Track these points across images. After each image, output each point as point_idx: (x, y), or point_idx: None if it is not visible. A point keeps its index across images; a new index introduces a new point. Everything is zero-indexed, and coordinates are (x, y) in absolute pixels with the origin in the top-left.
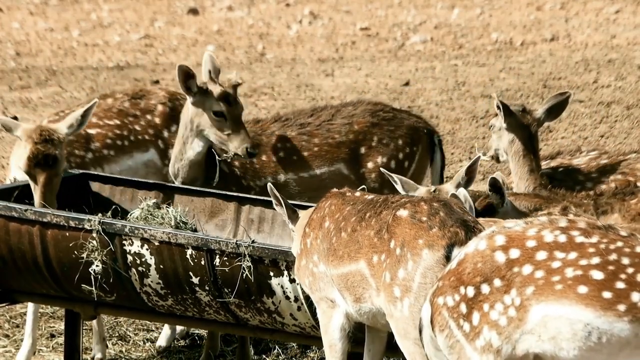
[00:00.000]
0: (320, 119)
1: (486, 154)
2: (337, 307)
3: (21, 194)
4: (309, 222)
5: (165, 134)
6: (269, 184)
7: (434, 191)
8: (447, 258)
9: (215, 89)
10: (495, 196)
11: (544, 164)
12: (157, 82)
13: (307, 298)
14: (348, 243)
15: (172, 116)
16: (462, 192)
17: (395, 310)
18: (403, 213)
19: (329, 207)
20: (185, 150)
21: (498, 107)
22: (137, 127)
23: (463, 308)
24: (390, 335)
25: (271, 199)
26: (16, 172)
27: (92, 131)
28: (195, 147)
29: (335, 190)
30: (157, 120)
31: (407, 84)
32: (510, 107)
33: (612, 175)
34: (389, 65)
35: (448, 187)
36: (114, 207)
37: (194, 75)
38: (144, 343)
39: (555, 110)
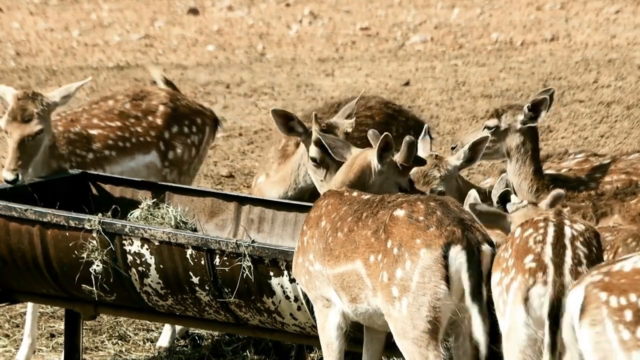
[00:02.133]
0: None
1: (456, 147)
2: (333, 306)
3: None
4: (306, 220)
5: (167, 135)
6: (319, 133)
7: (436, 157)
8: (445, 257)
9: (314, 134)
10: (501, 208)
11: None
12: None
13: (307, 298)
14: (344, 243)
15: (174, 116)
16: (472, 194)
17: (394, 310)
18: (400, 213)
19: (325, 207)
20: (299, 180)
21: (529, 109)
22: (139, 129)
23: (628, 315)
24: (389, 335)
25: (271, 198)
26: None
27: (93, 132)
28: (308, 180)
29: (333, 189)
30: (159, 121)
31: (407, 83)
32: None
33: (616, 175)
34: (389, 65)
35: (451, 159)
36: (113, 207)
37: (293, 117)
38: (144, 343)
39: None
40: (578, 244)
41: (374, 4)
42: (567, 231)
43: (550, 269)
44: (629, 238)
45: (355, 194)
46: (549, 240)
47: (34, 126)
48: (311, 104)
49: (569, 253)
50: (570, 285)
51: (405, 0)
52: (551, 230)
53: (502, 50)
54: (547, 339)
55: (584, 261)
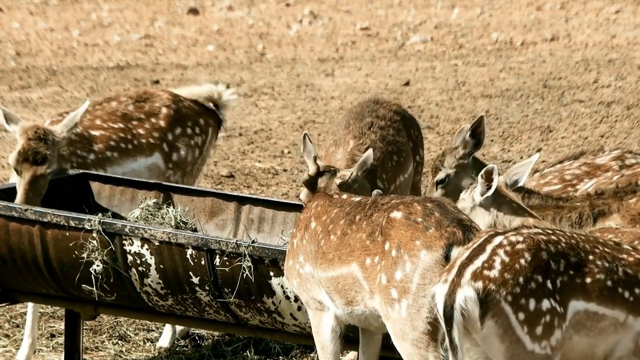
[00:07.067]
0: (377, 126)
1: None
2: (325, 308)
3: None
4: (296, 221)
5: (170, 137)
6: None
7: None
8: (446, 258)
9: None
10: (483, 183)
11: (567, 164)
12: (157, 82)
13: None
14: (339, 246)
15: (177, 118)
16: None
17: (393, 311)
18: (397, 215)
19: (315, 208)
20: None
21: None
22: (141, 131)
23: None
24: (386, 336)
25: (270, 198)
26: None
27: (95, 133)
28: None
29: (322, 191)
30: (162, 123)
31: (407, 83)
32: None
33: None
34: (389, 65)
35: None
36: (114, 207)
37: None
38: (144, 343)
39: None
40: (500, 251)
41: (374, 4)
42: (497, 239)
43: (454, 269)
44: (635, 240)
45: (345, 196)
46: (473, 246)
47: (46, 168)
48: (311, 104)
49: (482, 257)
50: (466, 285)
51: (405, 0)
52: (483, 237)
53: (502, 50)
54: (446, 337)
55: (498, 267)
